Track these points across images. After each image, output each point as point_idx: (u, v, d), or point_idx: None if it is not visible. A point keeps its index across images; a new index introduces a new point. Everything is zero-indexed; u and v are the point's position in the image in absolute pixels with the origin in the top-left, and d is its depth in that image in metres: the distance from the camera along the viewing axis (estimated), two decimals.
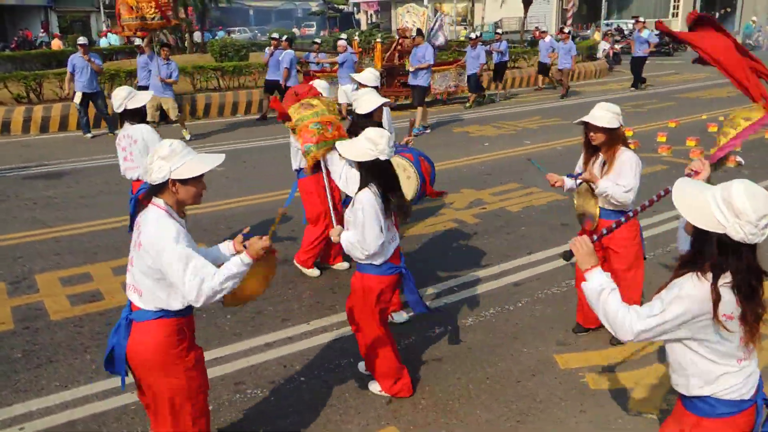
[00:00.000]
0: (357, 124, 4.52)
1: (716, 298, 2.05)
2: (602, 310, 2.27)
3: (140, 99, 5.03)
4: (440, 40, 14.46)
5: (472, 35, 16.26)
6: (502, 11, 34.11)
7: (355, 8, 45.71)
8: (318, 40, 16.32)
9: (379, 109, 4.58)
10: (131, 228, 5.16)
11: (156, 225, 2.58)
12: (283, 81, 12.86)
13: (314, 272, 5.65)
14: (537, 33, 27.10)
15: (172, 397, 2.78)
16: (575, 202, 4.22)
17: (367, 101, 4.50)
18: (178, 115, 11.93)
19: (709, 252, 2.08)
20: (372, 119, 4.51)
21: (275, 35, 14.26)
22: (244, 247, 2.78)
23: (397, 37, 15.49)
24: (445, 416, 3.68)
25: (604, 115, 3.85)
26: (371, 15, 43.57)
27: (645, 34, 16.53)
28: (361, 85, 5.54)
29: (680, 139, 10.61)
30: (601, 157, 4.02)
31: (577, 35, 28.94)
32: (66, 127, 12.78)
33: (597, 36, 27.59)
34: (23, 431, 3.58)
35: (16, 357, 4.36)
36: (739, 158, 9.18)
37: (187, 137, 11.59)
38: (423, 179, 4.50)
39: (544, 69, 17.75)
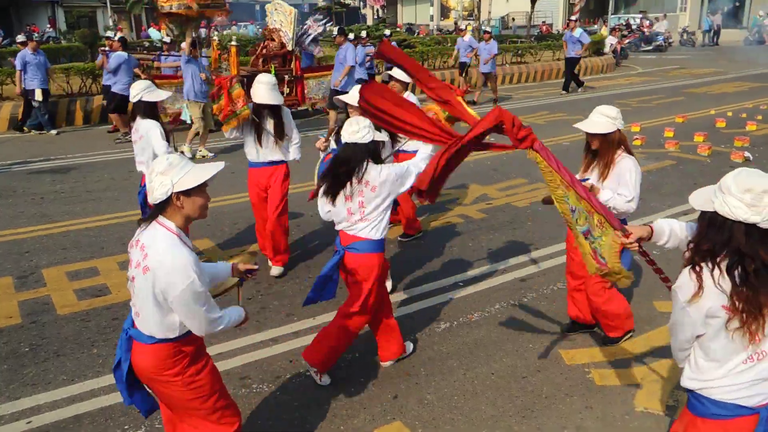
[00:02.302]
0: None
1: (699, 272, 2.07)
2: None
3: (159, 94, 5.02)
4: (316, 50, 12.65)
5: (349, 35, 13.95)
6: (509, 6, 34.00)
7: (361, 3, 45.58)
8: (167, 39, 13.40)
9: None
10: (143, 213, 5.21)
11: (170, 255, 2.45)
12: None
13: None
14: (544, 27, 26.96)
15: (183, 405, 2.74)
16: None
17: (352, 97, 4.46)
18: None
19: (698, 230, 2.16)
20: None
21: (109, 34, 11.95)
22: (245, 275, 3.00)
23: (264, 39, 13.04)
24: (450, 411, 3.68)
25: (598, 120, 3.79)
26: (377, 10, 43.38)
27: (577, 33, 15.57)
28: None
29: (688, 135, 10.55)
30: (598, 161, 3.92)
31: (585, 29, 28.75)
32: (73, 122, 12.82)
33: (604, 31, 27.44)
34: (31, 425, 3.61)
35: (23, 351, 4.39)
36: (747, 154, 9.11)
37: (208, 154, 10.11)
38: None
39: (464, 69, 16.11)
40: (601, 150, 3.84)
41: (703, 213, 2.14)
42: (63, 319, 4.83)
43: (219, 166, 2.61)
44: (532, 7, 25.15)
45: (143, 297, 2.53)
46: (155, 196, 2.49)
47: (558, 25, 35.65)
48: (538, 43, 22.19)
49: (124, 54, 11.12)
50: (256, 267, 3.04)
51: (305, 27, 13.03)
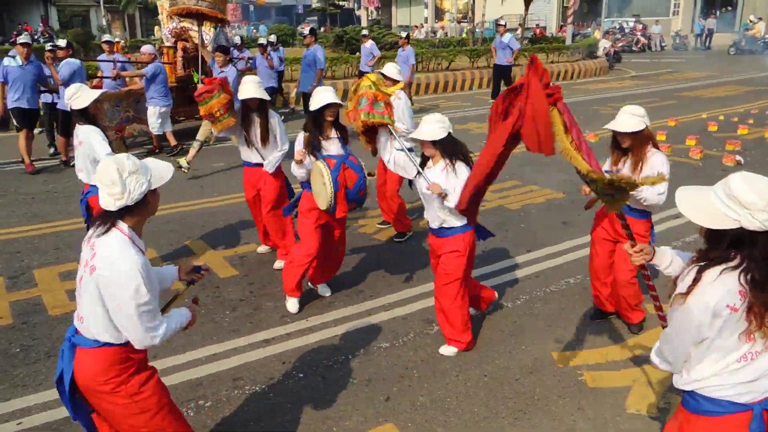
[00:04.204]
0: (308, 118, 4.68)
1: (697, 278, 2.07)
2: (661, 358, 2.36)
3: (84, 99, 4.86)
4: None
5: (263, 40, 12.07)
6: (503, 8, 34.03)
7: (355, 4, 45.63)
8: (109, 38, 11.22)
9: (332, 108, 4.51)
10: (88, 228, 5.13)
11: (120, 257, 2.40)
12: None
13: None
14: (538, 30, 27.03)
15: (128, 422, 2.62)
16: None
17: (317, 100, 4.50)
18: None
19: (721, 247, 2.09)
20: (321, 116, 4.54)
21: (23, 39, 9.12)
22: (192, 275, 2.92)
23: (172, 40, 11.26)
24: (443, 413, 3.68)
25: (628, 120, 4.01)
26: (372, 11, 43.39)
27: (506, 39, 14.73)
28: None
29: (680, 138, 10.60)
30: (630, 157, 4.12)
31: (578, 33, 28.88)
32: None
33: (597, 34, 27.61)
34: (21, 425, 3.59)
35: (14, 352, 4.36)
36: (738, 157, 9.18)
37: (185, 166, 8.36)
38: (337, 188, 4.44)
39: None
40: (633, 147, 4.07)
41: (721, 231, 2.06)
42: (54, 319, 4.80)
43: (171, 166, 2.65)
44: (526, 10, 25.20)
45: (89, 298, 2.47)
46: (134, 196, 2.43)
47: (552, 28, 35.77)
48: (531, 46, 22.26)
49: (77, 61, 9.23)
50: (201, 274, 2.93)
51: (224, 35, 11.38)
